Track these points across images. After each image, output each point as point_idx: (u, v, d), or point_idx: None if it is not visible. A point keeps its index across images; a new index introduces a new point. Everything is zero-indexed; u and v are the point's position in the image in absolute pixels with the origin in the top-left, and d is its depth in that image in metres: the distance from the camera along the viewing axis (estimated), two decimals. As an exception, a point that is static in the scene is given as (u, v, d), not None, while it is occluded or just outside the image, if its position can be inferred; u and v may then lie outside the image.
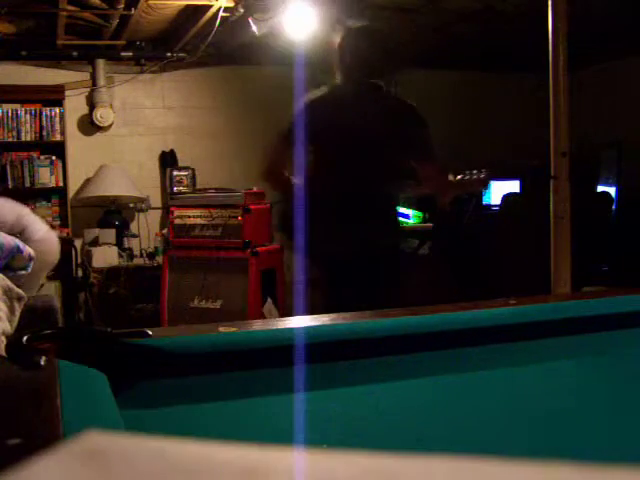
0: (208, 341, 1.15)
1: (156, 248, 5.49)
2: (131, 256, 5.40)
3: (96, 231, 5.31)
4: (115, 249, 5.27)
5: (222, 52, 5.24)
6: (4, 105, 5.15)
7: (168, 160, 5.78)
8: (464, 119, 6.16)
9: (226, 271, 4.52)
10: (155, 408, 1.00)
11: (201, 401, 1.03)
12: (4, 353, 0.96)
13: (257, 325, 1.33)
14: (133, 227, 5.63)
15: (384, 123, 2.79)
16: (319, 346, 1.15)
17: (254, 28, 3.99)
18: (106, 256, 5.17)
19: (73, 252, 5.20)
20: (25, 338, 0.98)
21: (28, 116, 5.18)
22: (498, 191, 5.87)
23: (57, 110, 5.23)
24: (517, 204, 5.12)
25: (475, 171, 2.95)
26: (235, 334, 1.18)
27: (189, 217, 4.67)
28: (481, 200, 6.07)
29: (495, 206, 5.85)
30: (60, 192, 5.27)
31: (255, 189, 4.84)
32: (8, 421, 0.68)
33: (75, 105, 5.51)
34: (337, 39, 2.86)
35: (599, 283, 3.83)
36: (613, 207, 5.47)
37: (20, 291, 2.59)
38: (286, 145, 2.81)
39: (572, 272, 3.10)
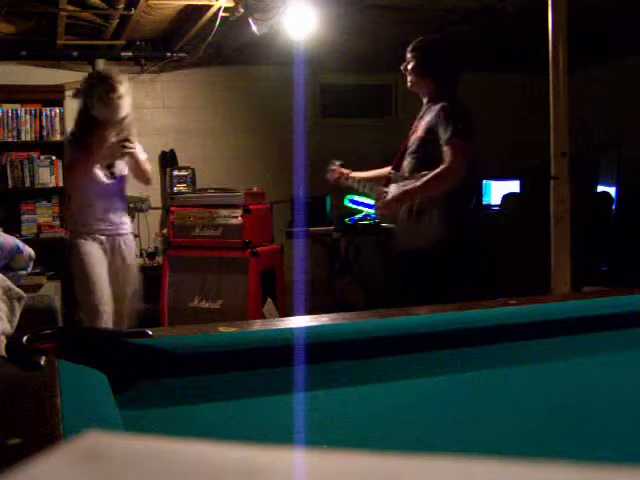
0: (208, 341, 1.15)
1: (156, 248, 5.48)
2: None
3: (96, 231, 5.30)
4: (115, 249, 5.26)
5: (222, 52, 5.24)
6: (4, 105, 5.15)
7: (168, 160, 5.78)
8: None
9: (226, 271, 4.52)
10: (155, 408, 1.00)
11: (201, 401, 1.03)
12: (4, 353, 0.96)
13: (257, 325, 1.33)
14: (133, 227, 5.62)
15: None
16: (319, 346, 1.15)
17: (254, 28, 3.99)
18: (106, 256, 5.17)
19: (73, 252, 5.19)
20: (25, 338, 0.98)
21: (28, 116, 5.18)
22: (498, 191, 5.87)
23: (57, 110, 5.23)
24: (517, 204, 5.12)
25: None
26: (235, 334, 1.18)
27: (189, 217, 4.67)
28: (481, 200, 6.07)
29: (495, 206, 5.85)
30: (60, 192, 5.26)
31: (255, 189, 4.84)
32: (8, 421, 0.68)
33: (75, 105, 5.50)
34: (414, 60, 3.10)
35: (599, 283, 3.83)
36: (613, 207, 5.47)
37: (20, 291, 2.59)
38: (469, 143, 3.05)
39: (572, 272, 3.10)
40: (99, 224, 3.46)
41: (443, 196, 3.06)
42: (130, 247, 3.59)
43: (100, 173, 3.44)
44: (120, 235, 3.53)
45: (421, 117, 3.14)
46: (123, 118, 3.36)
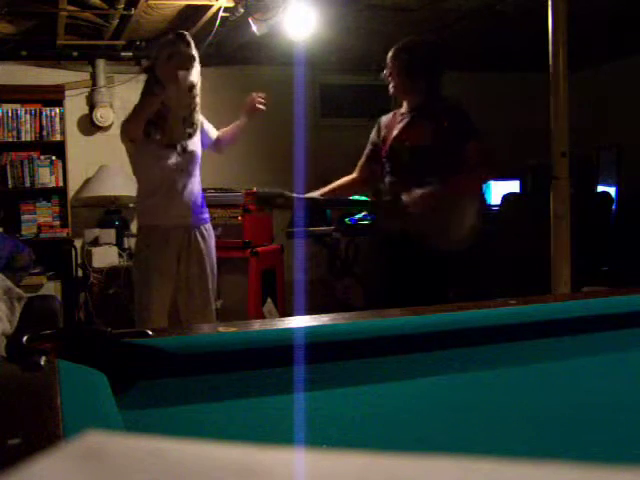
0: (208, 341, 1.16)
1: (156, 248, 5.47)
2: (131, 256, 5.39)
3: (96, 231, 5.31)
4: (115, 249, 5.27)
5: (222, 52, 5.23)
6: (4, 105, 5.15)
7: (168, 160, 5.77)
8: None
9: (226, 271, 4.51)
10: (155, 408, 1.00)
11: (201, 401, 1.03)
12: (4, 353, 0.96)
13: (257, 325, 1.33)
14: (133, 227, 5.62)
15: None
16: (319, 346, 1.15)
17: (254, 28, 3.99)
18: (106, 256, 5.17)
19: (73, 252, 5.20)
20: (25, 338, 0.98)
21: (28, 116, 5.18)
22: (498, 191, 5.87)
23: (57, 110, 5.23)
24: (517, 204, 5.12)
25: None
26: (235, 334, 1.18)
27: (189, 217, 4.66)
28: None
29: (495, 206, 5.85)
30: (60, 192, 5.26)
31: (255, 189, 4.83)
32: (8, 421, 0.68)
33: (75, 105, 5.51)
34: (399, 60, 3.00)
35: (599, 283, 3.83)
36: (613, 207, 5.47)
37: (20, 291, 2.59)
38: None
39: (572, 272, 3.10)
40: (169, 212, 3.07)
41: (472, 196, 3.01)
42: (207, 240, 3.17)
43: (168, 151, 3.05)
44: (196, 225, 3.15)
45: (408, 123, 2.98)
46: (191, 87, 2.99)
